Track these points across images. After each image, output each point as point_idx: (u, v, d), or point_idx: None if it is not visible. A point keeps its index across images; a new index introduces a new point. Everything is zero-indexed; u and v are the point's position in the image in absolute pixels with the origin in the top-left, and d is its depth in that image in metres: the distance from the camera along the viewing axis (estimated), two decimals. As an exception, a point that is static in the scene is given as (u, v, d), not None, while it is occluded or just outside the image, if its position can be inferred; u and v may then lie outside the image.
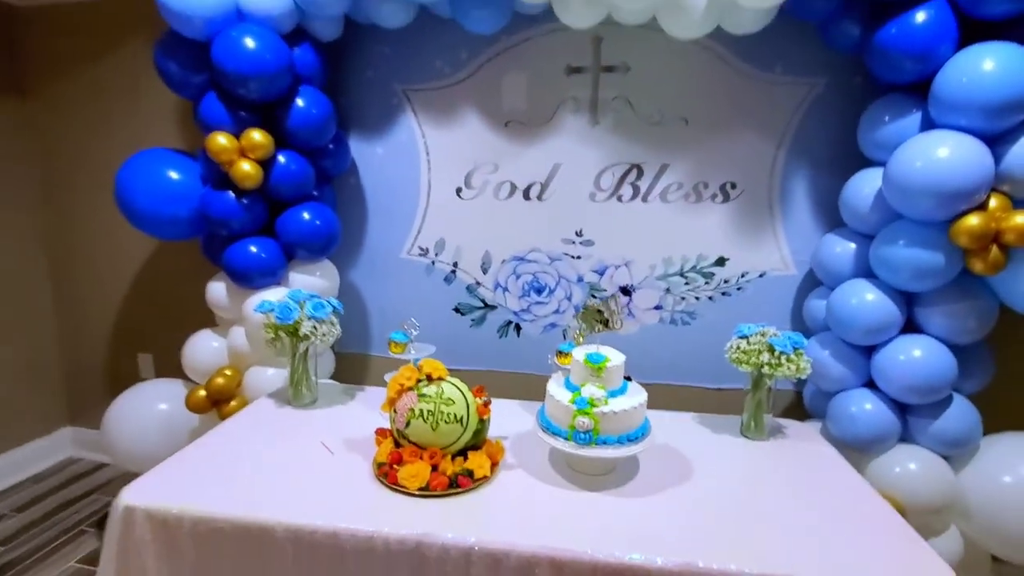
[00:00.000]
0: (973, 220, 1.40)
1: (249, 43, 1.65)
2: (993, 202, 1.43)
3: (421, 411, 1.38)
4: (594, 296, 2.14)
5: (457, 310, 2.27)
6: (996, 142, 1.41)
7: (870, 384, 1.71)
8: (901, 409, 1.66)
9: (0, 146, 2.43)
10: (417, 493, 1.30)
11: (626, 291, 2.14)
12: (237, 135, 1.77)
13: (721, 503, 1.32)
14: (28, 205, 2.55)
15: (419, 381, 1.44)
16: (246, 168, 1.76)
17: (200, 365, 2.02)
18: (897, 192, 1.49)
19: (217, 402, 1.92)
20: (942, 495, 1.57)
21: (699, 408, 1.82)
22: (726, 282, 2.07)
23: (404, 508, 1.26)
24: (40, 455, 2.68)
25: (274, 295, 1.83)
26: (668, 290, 2.11)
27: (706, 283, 2.08)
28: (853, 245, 1.74)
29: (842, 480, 1.44)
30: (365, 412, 1.73)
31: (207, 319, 2.15)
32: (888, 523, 1.26)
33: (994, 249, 1.42)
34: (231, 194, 1.82)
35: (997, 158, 1.41)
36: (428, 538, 1.16)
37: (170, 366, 2.38)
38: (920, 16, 1.42)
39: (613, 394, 1.40)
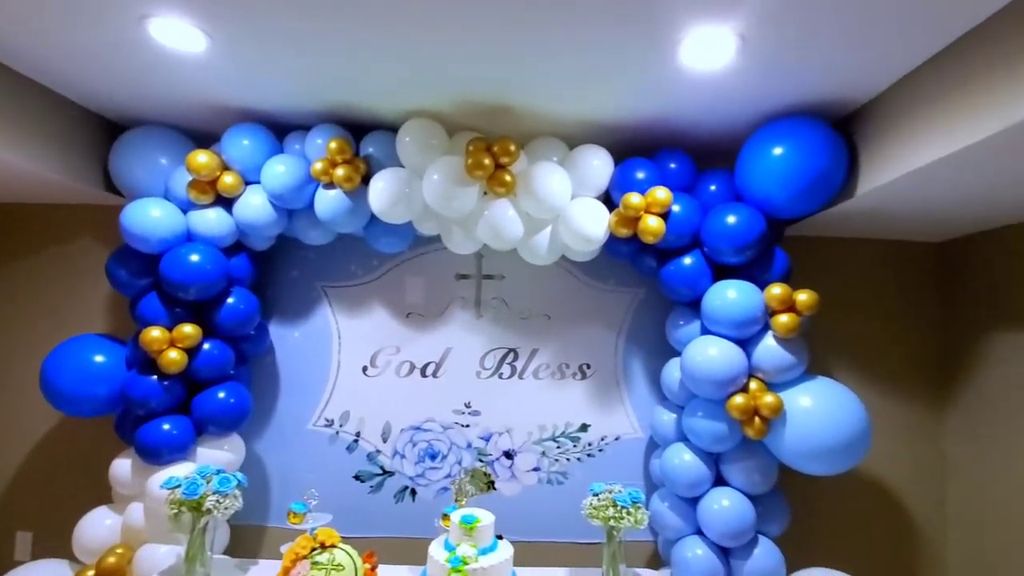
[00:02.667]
0: (738, 399, 1.95)
1: (194, 258, 2.05)
2: (752, 385, 2.01)
3: (312, 579, 1.56)
4: (481, 460, 2.45)
5: (357, 477, 2.47)
6: (746, 344, 2.04)
7: (699, 531, 2.09)
8: (724, 552, 2.03)
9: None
10: (302, 661, 1.43)
11: (509, 455, 2.48)
12: (170, 328, 2.06)
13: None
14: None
15: (313, 550, 1.64)
16: (173, 356, 2.03)
17: (91, 543, 2.03)
18: (688, 378, 2.06)
19: (103, 585, 1.92)
20: (760, 630, 1.90)
21: (574, 562, 2.11)
22: (590, 444, 2.48)
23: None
24: None
25: (180, 471, 1.98)
26: (544, 453, 2.48)
27: (574, 446, 2.48)
28: (673, 415, 2.25)
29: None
30: (258, 586, 1.83)
31: (100, 496, 2.19)
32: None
33: (757, 420, 1.96)
34: (154, 378, 2.05)
35: (748, 355, 2.02)
36: None
37: (50, 547, 2.30)
38: (687, 260, 2.12)
39: (484, 551, 1.68)
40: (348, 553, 1.64)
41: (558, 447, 2.49)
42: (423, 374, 2.52)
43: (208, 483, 1.85)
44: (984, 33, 1.46)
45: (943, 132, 1.57)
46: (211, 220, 2.13)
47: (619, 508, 1.92)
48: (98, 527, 2.07)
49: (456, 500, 1.99)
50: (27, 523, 2.49)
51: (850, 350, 2.49)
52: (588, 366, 2.52)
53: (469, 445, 2.48)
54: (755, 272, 2.08)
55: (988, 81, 1.44)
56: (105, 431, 2.23)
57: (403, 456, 2.48)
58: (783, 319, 1.96)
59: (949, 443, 2.46)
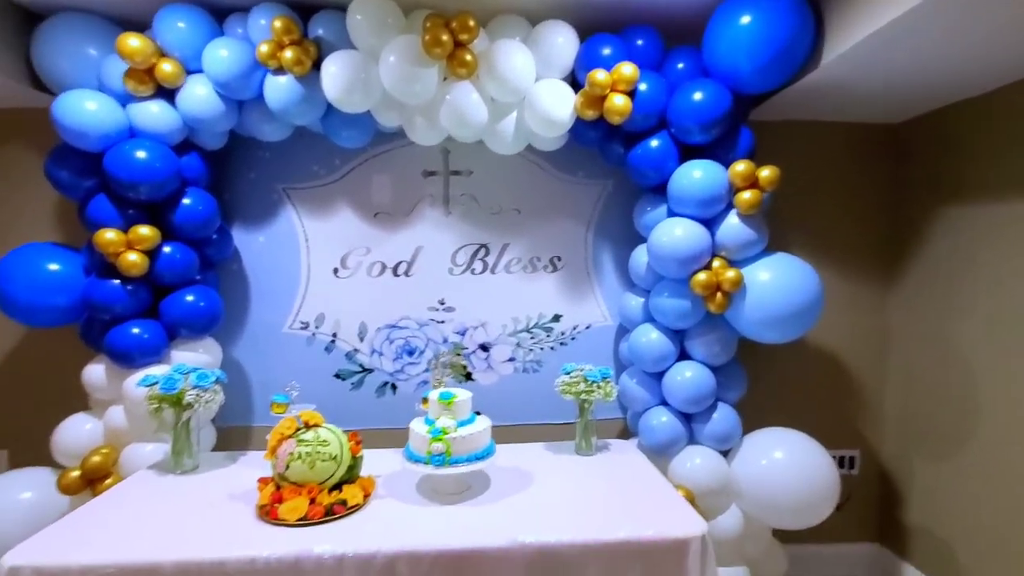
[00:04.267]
0: (701, 276, 2.03)
1: (140, 154, 1.93)
2: (716, 263, 2.08)
3: (299, 454, 1.63)
4: (458, 354, 2.52)
5: (338, 376, 2.53)
6: (710, 224, 2.09)
7: (664, 403, 2.24)
8: (687, 418, 2.20)
9: None
10: (296, 523, 1.53)
11: (484, 347, 2.56)
12: (125, 231, 1.98)
13: (549, 500, 1.71)
14: None
15: (297, 430, 1.70)
16: (132, 258, 1.96)
17: (72, 448, 2.05)
18: (654, 259, 2.12)
19: (92, 481, 1.96)
20: (719, 480, 2.10)
21: (549, 440, 2.24)
22: (563, 334, 2.58)
23: (284, 536, 1.48)
24: None
25: (156, 372, 1.98)
26: (518, 344, 2.56)
27: (547, 336, 2.57)
28: (641, 299, 2.33)
29: (644, 476, 1.90)
30: (248, 472, 1.90)
31: (76, 406, 2.19)
32: (661, 493, 1.73)
33: (719, 295, 2.05)
34: (116, 282, 2.00)
35: (712, 234, 2.08)
36: (305, 553, 1.40)
37: (27, 461, 2.32)
38: (653, 143, 2.11)
39: (462, 423, 1.76)
40: (332, 431, 1.71)
41: (532, 338, 2.57)
42: (395, 273, 2.52)
43: (186, 379, 1.87)
44: None
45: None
46: (154, 114, 1.99)
47: (589, 383, 2.04)
48: (78, 432, 2.08)
49: (434, 385, 2.07)
50: (1, 441, 2.49)
51: (808, 228, 2.58)
52: (559, 259, 2.56)
53: (445, 340, 2.54)
54: (720, 153, 2.09)
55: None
56: (72, 341, 2.20)
57: (381, 354, 2.54)
58: (746, 195, 2.00)
59: (892, 314, 2.64)
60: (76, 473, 1.96)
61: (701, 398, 2.13)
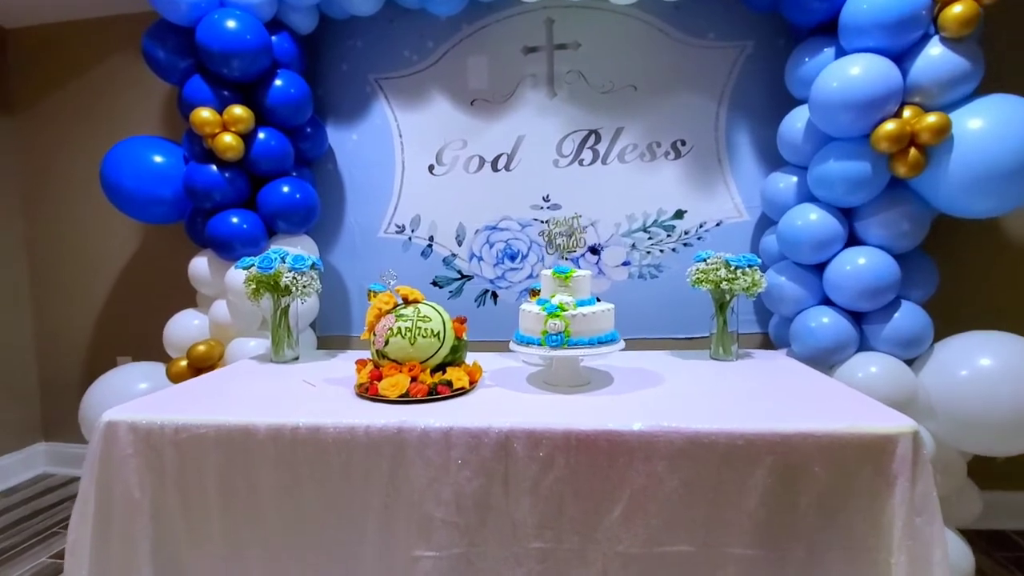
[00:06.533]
0: (889, 126, 1.56)
1: (231, 24, 1.82)
2: (907, 112, 1.60)
3: (399, 328, 1.44)
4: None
5: (435, 283, 2.35)
6: (901, 59, 1.60)
7: (825, 302, 1.81)
8: (856, 318, 1.75)
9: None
10: (397, 399, 1.34)
11: (594, 250, 2.25)
12: (220, 111, 1.89)
13: (694, 392, 1.39)
14: (5, 217, 2.60)
15: (396, 305, 1.50)
16: (228, 140, 1.87)
17: (181, 342, 2.04)
18: (821, 113, 1.67)
19: (199, 370, 1.94)
20: (904, 393, 1.64)
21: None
22: (686, 233, 2.20)
23: (384, 411, 1.29)
24: (13, 471, 2.60)
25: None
26: (634, 246, 2.22)
27: (668, 236, 2.21)
28: (794, 178, 1.89)
29: (810, 378, 1.51)
30: (348, 364, 1.75)
31: (187, 305, 2.19)
32: (841, 393, 1.35)
33: (913, 151, 1.57)
34: (213, 167, 1.93)
35: (904, 73, 1.59)
36: (408, 424, 1.20)
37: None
38: (820, -38, 1.65)
39: (581, 303, 1.47)
40: (434, 307, 1.50)
41: (650, 238, 2.22)
42: (494, 168, 2.27)
43: (283, 261, 1.75)
44: None
45: None
46: (243, -16, 1.87)
47: (732, 268, 1.66)
48: (187, 326, 2.07)
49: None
50: (125, 348, 2.58)
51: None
52: (683, 143, 2.16)
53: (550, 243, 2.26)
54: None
55: None
56: (180, 243, 2.20)
57: (480, 258, 2.31)
58: (956, 9, 1.49)
59: None
60: (184, 362, 1.95)
61: (880, 291, 1.67)
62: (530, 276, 2.29)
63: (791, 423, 1.15)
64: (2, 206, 2.59)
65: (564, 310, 1.42)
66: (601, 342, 1.43)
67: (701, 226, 2.19)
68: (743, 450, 1.13)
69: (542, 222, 2.25)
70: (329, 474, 1.20)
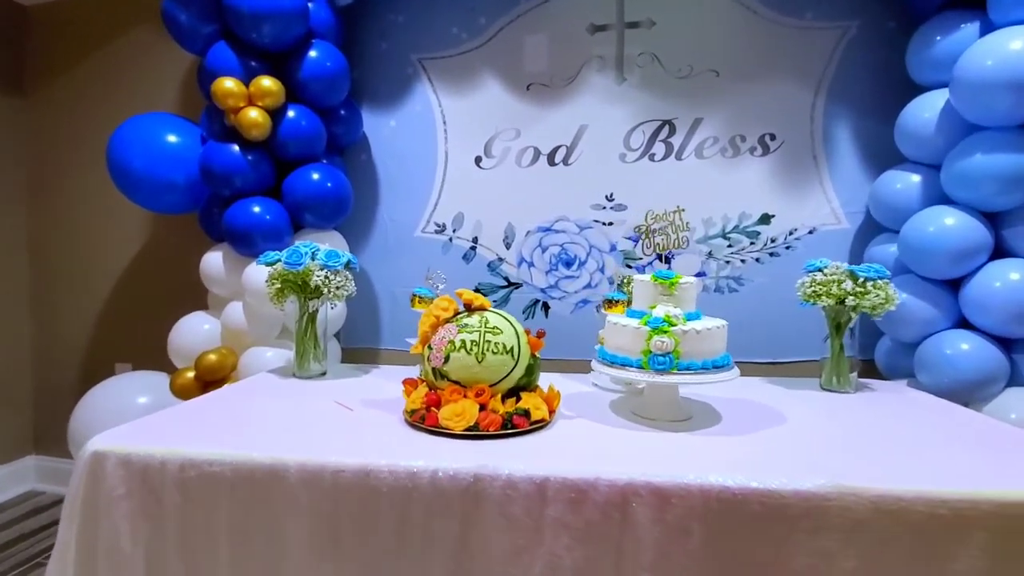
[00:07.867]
0: (1063, 111, 1.28)
1: (264, -19, 1.57)
2: (1079, 97, 1.31)
3: (463, 342, 1.14)
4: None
5: (478, 291, 2.04)
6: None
7: (961, 324, 1.51)
8: (1006, 346, 1.45)
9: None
10: (464, 434, 1.04)
11: (665, 258, 1.96)
12: (246, 83, 1.64)
13: (833, 435, 1.09)
14: (8, 205, 2.35)
15: (457, 313, 1.22)
16: (254, 115, 1.61)
17: (189, 349, 1.76)
18: (969, 97, 1.38)
19: (208, 384, 1.65)
20: (1073, 441, 1.33)
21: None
22: (773, 241, 1.90)
23: (450, 448, 0.99)
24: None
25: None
26: (710, 254, 1.93)
27: (751, 244, 1.91)
28: (915, 177, 1.60)
29: (971, 420, 1.20)
30: (387, 384, 1.45)
31: (195, 308, 1.91)
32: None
33: (1090, 144, 1.29)
34: (235, 147, 1.67)
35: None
36: (486, 471, 0.90)
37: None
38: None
39: (689, 317, 1.18)
40: (505, 316, 1.21)
41: (730, 245, 1.93)
42: (551, 162, 1.99)
43: (313, 258, 1.47)
44: None
45: None
46: (278, -61, 1.62)
47: (860, 280, 1.37)
48: (195, 332, 1.80)
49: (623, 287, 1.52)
50: (125, 354, 2.32)
51: None
52: (772, 137, 1.88)
53: (613, 248, 1.97)
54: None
55: None
56: (193, 236, 1.93)
57: (531, 264, 2.03)
58: None
59: None
60: (191, 374, 1.66)
61: (1041, 312, 1.37)
62: (587, 286, 2.00)
63: (1004, 484, 0.85)
64: (5, 194, 2.34)
65: (673, 324, 1.12)
66: (716, 367, 1.14)
67: (791, 233, 1.89)
68: (946, 522, 0.83)
69: (604, 224, 1.97)
70: (378, 534, 0.90)
